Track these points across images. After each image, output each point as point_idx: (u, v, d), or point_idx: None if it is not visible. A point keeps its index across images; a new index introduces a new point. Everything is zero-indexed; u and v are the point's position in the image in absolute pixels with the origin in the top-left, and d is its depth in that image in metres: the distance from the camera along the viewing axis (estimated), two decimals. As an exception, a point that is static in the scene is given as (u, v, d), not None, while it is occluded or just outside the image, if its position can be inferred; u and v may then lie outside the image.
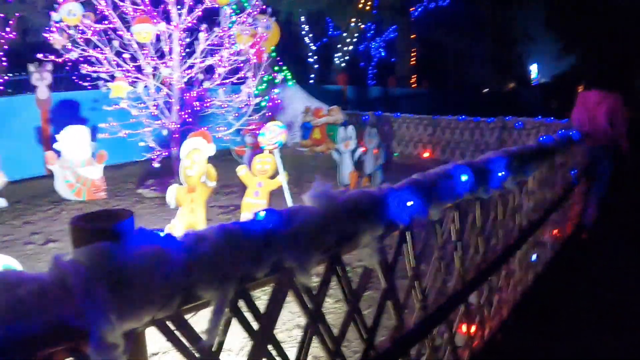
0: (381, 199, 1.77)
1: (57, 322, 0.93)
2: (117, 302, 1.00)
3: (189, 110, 9.12)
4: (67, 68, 9.35)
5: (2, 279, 0.91)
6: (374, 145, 9.30)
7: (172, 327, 1.22)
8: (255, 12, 9.39)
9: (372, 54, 28.69)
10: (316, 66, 25.32)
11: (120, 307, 1.00)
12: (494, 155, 2.98)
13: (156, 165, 8.48)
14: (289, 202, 7.05)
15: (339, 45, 24.70)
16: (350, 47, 24.80)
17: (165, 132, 8.67)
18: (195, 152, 5.75)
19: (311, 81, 23.64)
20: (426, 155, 13.42)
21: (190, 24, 8.77)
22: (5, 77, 14.98)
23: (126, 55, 8.39)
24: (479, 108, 20.74)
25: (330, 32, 25.35)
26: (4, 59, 15.54)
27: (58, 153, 8.98)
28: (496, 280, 3.47)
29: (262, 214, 1.41)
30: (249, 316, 1.44)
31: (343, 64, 24.55)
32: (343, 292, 1.77)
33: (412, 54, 27.58)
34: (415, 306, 2.30)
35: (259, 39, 9.42)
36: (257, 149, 10.54)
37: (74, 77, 12.19)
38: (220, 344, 1.37)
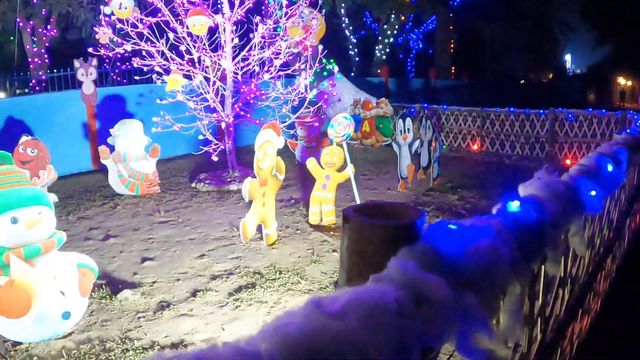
0: (578, 187, 1.59)
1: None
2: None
3: (241, 104, 8.93)
4: (106, 64, 9.18)
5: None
6: (430, 137, 9.03)
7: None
8: (305, 5, 9.14)
9: (410, 46, 28.26)
10: (357, 59, 25.01)
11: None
12: (617, 147, 2.75)
13: (215, 158, 8.29)
14: (357, 196, 6.81)
15: (379, 38, 24.37)
16: (391, 40, 24.45)
17: (223, 125, 8.47)
18: (268, 145, 5.55)
19: (352, 74, 23.34)
20: (475, 147, 13.08)
21: (240, 17, 8.56)
22: (47, 74, 14.93)
23: (182, 48, 8.21)
24: (519, 100, 20.33)
25: (369, 24, 25.02)
26: (46, 56, 15.56)
27: (110, 147, 8.85)
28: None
29: (515, 205, 1.16)
30: None
31: (384, 57, 24.20)
32: None
33: (452, 46, 27.13)
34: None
35: (309, 32, 9.20)
36: (309, 142, 10.33)
37: (114, 74, 12.18)
38: None
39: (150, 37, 8.29)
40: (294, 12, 8.94)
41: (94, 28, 8.69)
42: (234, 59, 8.71)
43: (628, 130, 4.40)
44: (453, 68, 27.59)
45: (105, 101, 11.81)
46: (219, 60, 8.35)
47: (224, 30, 8.54)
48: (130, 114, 11.32)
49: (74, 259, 4.32)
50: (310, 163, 6.48)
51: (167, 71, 8.25)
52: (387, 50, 24.54)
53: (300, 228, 6.49)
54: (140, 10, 8.50)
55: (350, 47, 24.76)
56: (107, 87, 12.64)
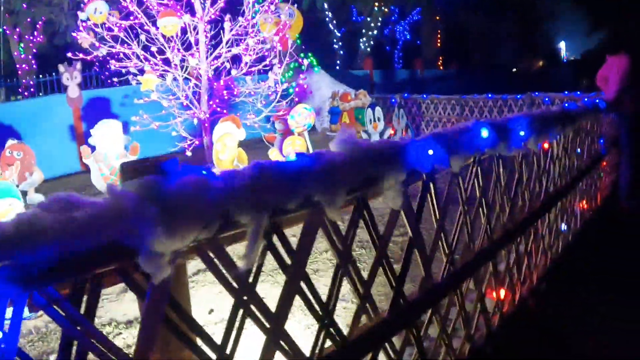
0: (404, 148, 1.83)
1: (110, 242, 1.04)
2: (166, 222, 1.13)
3: (217, 100, 9.24)
4: (96, 67, 9.54)
5: (63, 199, 1.02)
6: (403, 126, 9.31)
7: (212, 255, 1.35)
8: (278, 1, 9.43)
9: (397, 37, 28.50)
10: (341, 52, 25.29)
11: (167, 226, 1.13)
12: (516, 116, 3.02)
13: (189, 153, 8.61)
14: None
15: (363, 30, 24.63)
16: (375, 32, 24.69)
17: (195, 122, 8.80)
18: (227, 136, 5.86)
19: (337, 67, 23.62)
20: (455, 135, 13.32)
21: (214, 16, 8.87)
22: (35, 80, 15.35)
23: (153, 49, 8.53)
24: (510, 88, 20.53)
25: (354, 18, 25.26)
26: (33, 61, 15.97)
27: (92, 147, 9.18)
28: (525, 243, 3.50)
29: (293, 156, 1.51)
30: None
31: (368, 49, 24.47)
32: (371, 236, 1.84)
33: (438, 36, 27.36)
34: (443, 260, 2.36)
35: (282, 27, 9.48)
36: (287, 135, 10.66)
37: (103, 75, 12.52)
38: (256, 276, 1.47)
39: (126, 40, 8.62)
40: (267, 9, 9.22)
41: (72, 33, 9.04)
42: (208, 57, 9.03)
43: (566, 105, 4.66)
44: (441, 58, 27.83)
45: (91, 103, 12.14)
46: (192, 58, 8.65)
47: (194, 29, 8.85)
48: (114, 115, 11.63)
49: None
50: (273, 154, 6.78)
51: (143, 72, 8.58)
52: (372, 42, 24.81)
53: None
54: (119, 14, 8.83)
55: (335, 40, 25.04)
56: (92, 89, 13.01)
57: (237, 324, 1.43)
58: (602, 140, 5.87)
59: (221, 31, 8.87)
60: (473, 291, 2.81)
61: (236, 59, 9.25)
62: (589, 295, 4.15)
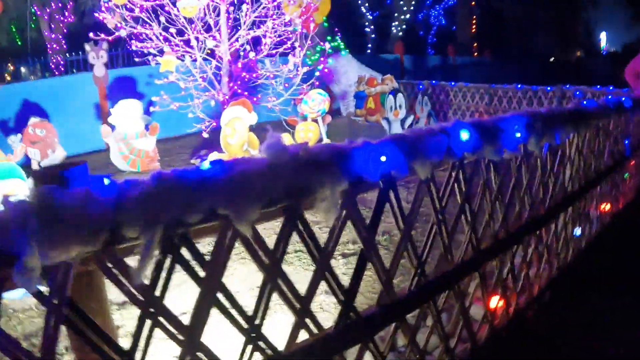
0: (347, 153, 1.67)
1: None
2: (48, 235, 1.11)
3: (239, 82, 9.16)
4: (127, 45, 9.56)
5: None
6: (426, 114, 9.10)
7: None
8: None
9: (431, 22, 28.00)
10: (373, 36, 24.94)
11: (50, 239, 1.11)
12: (511, 114, 2.81)
13: (206, 135, 8.57)
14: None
15: (395, 14, 24.22)
16: (408, 16, 24.25)
17: (213, 103, 8.73)
18: (236, 121, 5.78)
19: (368, 51, 23.30)
20: (483, 124, 13.00)
21: (237, -4, 8.78)
22: (63, 58, 15.61)
23: (172, 30, 8.47)
24: (544, 78, 20.00)
25: (388, 1, 24.87)
26: (63, 41, 16.19)
27: (113, 127, 9.25)
28: (524, 252, 3.30)
29: (207, 163, 1.41)
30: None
31: (400, 33, 24.07)
32: (308, 249, 1.71)
33: (473, 22, 26.75)
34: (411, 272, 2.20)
35: (305, 9, 9.32)
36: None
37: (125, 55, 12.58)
38: (163, 292, 1.42)
39: (147, 20, 8.59)
40: None
41: (94, 14, 9.08)
42: (230, 38, 8.95)
43: (584, 102, 4.41)
44: (475, 45, 27.23)
45: (117, 82, 12.21)
46: (214, 40, 8.56)
47: (214, 10, 8.76)
48: (140, 94, 11.71)
49: None
50: (285, 138, 6.67)
51: (163, 53, 8.55)
52: (404, 26, 24.37)
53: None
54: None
55: (367, 23, 24.69)
56: (118, 68, 13.09)
57: (145, 335, 1.38)
58: (627, 141, 5.57)
59: (241, 13, 8.75)
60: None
61: (258, 41, 9.15)
62: (600, 301, 3.94)
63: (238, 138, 5.79)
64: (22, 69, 16.05)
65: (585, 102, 4.25)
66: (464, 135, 2.21)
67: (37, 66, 15.95)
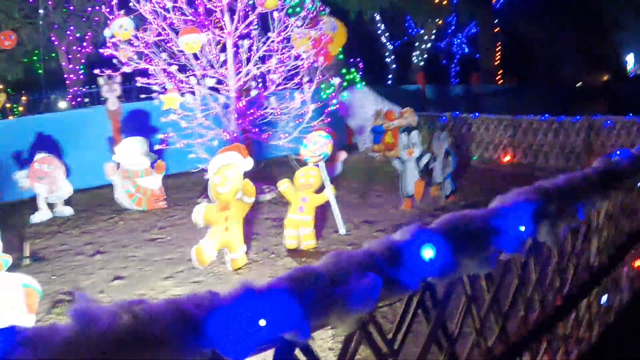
0: (198, 319, 1.19)
1: None
2: None
3: (249, 119, 8.89)
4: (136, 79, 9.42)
5: None
6: (444, 151, 8.66)
7: None
8: (312, 15, 8.98)
9: (454, 50, 27.61)
10: (394, 66, 24.62)
11: None
12: (512, 201, 2.18)
13: (207, 177, 8.27)
14: (338, 219, 6.62)
15: (416, 44, 23.87)
16: (429, 45, 23.86)
17: (216, 143, 8.46)
18: (227, 168, 5.47)
19: (389, 82, 22.98)
20: (507, 159, 12.54)
21: (245, 31, 8.54)
22: (82, 90, 15.66)
23: (173, 68, 8.25)
24: (572, 104, 19.42)
25: (410, 31, 24.57)
26: (80, 72, 16.26)
27: (118, 164, 9.05)
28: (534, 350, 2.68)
29: None
30: None
31: (422, 63, 23.70)
32: None
33: (497, 49, 26.26)
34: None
35: (317, 42, 9.03)
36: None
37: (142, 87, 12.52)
38: None
39: (151, 56, 8.40)
40: (296, 23, 8.76)
41: (99, 50, 8.98)
42: (237, 74, 8.71)
43: (617, 153, 3.73)
44: (500, 72, 26.68)
45: (130, 116, 12.10)
46: (209, 77, 8.32)
47: (217, 44, 8.53)
48: (153, 128, 11.54)
49: (20, 279, 4.59)
50: (283, 185, 6.33)
51: (166, 89, 8.33)
52: (425, 56, 24.00)
53: (277, 252, 6.32)
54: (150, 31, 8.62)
55: (387, 54, 24.40)
56: (132, 102, 13.00)
57: None
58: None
59: (250, 48, 8.50)
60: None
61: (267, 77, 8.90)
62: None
63: (230, 187, 5.46)
64: (40, 101, 16.12)
65: (617, 155, 3.59)
66: (428, 253, 1.67)
67: (52, 98, 16.03)
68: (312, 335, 1.36)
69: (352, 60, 14.20)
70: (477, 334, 2.18)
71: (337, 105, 10.00)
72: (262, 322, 1.20)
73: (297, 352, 1.40)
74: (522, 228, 2.11)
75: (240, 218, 5.81)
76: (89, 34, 16.09)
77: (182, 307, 1.17)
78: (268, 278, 5.25)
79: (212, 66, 8.48)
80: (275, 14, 8.40)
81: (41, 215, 8.98)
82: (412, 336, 1.85)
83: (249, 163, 5.72)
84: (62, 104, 15.67)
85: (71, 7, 15.53)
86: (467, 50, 27.56)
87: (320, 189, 6.47)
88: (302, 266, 1.42)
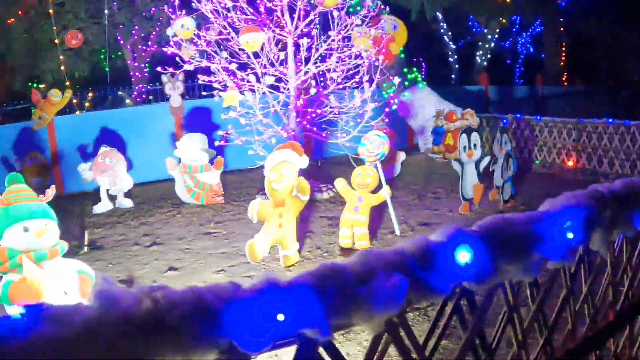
0: (215, 309, 1.17)
1: None
2: None
3: (308, 117, 8.93)
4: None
5: None
6: (505, 154, 8.46)
7: None
8: (373, 13, 8.94)
9: (518, 50, 26.90)
10: (456, 66, 24.21)
11: None
12: (561, 206, 2.01)
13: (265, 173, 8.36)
14: (394, 220, 6.58)
15: (480, 43, 23.39)
16: (492, 45, 23.32)
17: (274, 141, 8.53)
18: (283, 165, 5.51)
19: (452, 82, 22.61)
20: (570, 163, 12.15)
21: (305, 30, 8.58)
22: (147, 87, 16.18)
23: (233, 66, 8.36)
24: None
25: (473, 30, 24.09)
26: (145, 70, 16.79)
27: (179, 160, 9.28)
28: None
29: (20, 313, 1.04)
30: None
31: (485, 63, 23.20)
32: None
33: (563, 49, 25.40)
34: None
35: (377, 41, 8.98)
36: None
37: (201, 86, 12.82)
38: None
39: (212, 54, 8.55)
40: (357, 22, 8.73)
41: (162, 48, 9.23)
42: (297, 73, 8.77)
43: None
44: (565, 73, 25.80)
45: (192, 113, 12.38)
46: (270, 75, 8.40)
47: (277, 44, 8.59)
48: (215, 125, 11.77)
49: (75, 265, 4.88)
50: (339, 184, 6.32)
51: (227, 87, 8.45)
52: (488, 55, 23.46)
53: (331, 250, 6.33)
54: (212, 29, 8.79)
55: (450, 53, 24.00)
56: (194, 99, 13.31)
57: None
58: None
59: (309, 46, 8.51)
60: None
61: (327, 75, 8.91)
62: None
63: (285, 184, 5.51)
64: (105, 97, 16.75)
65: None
66: (463, 256, 1.58)
67: (118, 95, 16.62)
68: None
69: (413, 59, 14.06)
70: (518, 346, 2.05)
71: (398, 105, 9.94)
72: (281, 317, 1.21)
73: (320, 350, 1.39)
74: (570, 235, 1.99)
75: (294, 215, 5.84)
76: (152, 33, 16.59)
77: (203, 296, 1.18)
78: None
79: (272, 64, 8.54)
80: (335, 13, 8.40)
81: (103, 206, 9.34)
82: (446, 343, 1.80)
83: (304, 161, 5.74)
84: (128, 101, 16.28)
85: (135, 8, 16.06)
86: (531, 50, 26.82)
87: (377, 189, 6.43)
88: (329, 263, 1.40)
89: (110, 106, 15.88)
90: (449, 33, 23.50)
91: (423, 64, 14.17)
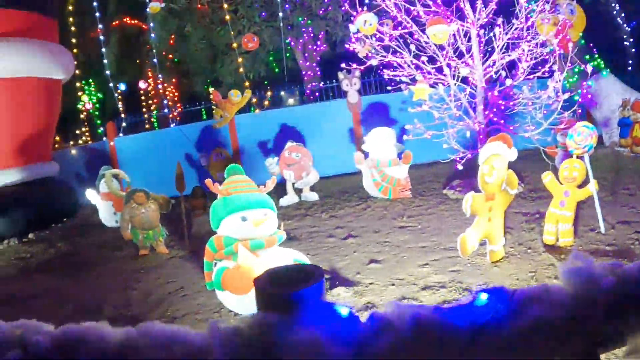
0: None
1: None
2: None
3: (494, 110, 8.77)
4: (378, 73, 9.82)
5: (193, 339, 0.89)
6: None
7: None
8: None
9: None
10: (633, 50, 22.18)
11: None
12: None
13: (460, 167, 8.32)
14: (600, 216, 6.27)
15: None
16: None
17: (468, 134, 8.46)
18: (495, 158, 5.47)
19: (629, 68, 20.84)
20: None
21: (487, 19, 8.41)
22: (317, 85, 16.78)
23: (424, 58, 8.39)
24: None
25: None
26: (317, 68, 17.43)
27: (366, 154, 9.50)
28: None
29: (484, 297, 1.07)
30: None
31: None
32: None
33: None
34: None
35: (561, 27, 8.60)
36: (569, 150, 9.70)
37: (381, 80, 13.02)
38: None
39: (397, 49, 8.64)
40: (542, 7, 8.42)
41: (345, 45, 9.52)
42: (482, 63, 8.63)
43: None
44: None
45: (370, 108, 12.64)
46: (465, 66, 8.33)
47: (465, 35, 8.49)
48: (392, 120, 11.96)
49: (291, 255, 5.13)
50: (547, 177, 6.13)
51: (415, 81, 8.51)
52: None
53: (533, 247, 6.15)
54: (392, 23, 8.91)
55: (624, 37, 22.03)
56: (371, 95, 13.55)
57: None
58: None
59: (493, 36, 8.33)
60: None
61: (511, 65, 8.67)
62: None
63: (496, 176, 5.45)
64: (282, 95, 17.60)
65: None
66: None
67: (294, 93, 17.41)
68: None
69: (591, 45, 13.28)
70: None
71: (589, 95, 9.46)
72: None
73: None
74: None
75: (503, 209, 5.77)
76: (321, 33, 17.17)
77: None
78: (529, 273, 5.19)
79: (459, 56, 8.47)
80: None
81: (289, 199, 9.87)
82: None
83: (513, 153, 5.64)
84: (290, 100, 17.02)
85: (308, 8, 16.67)
86: None
87: (583, 184, 6.17)
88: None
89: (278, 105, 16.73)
90: (622, 14, 21.68)
91: (594, 50, 13.31)
